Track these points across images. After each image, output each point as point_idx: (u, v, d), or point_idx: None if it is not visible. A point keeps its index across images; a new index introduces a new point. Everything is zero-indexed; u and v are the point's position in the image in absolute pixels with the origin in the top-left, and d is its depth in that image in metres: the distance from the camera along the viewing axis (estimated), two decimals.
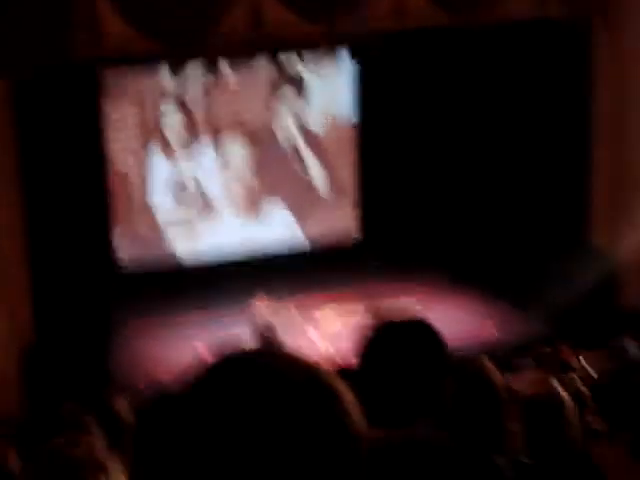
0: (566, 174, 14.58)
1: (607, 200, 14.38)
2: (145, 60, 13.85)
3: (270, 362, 1.50)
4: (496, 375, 3.81)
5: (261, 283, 13.68)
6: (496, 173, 15.39)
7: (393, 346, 2.68)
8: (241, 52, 14.66)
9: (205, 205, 15.51)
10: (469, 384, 3.56)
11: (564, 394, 4.97)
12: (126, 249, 15.20)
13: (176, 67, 14.95)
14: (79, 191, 14.21)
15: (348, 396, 1.50)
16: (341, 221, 16.28)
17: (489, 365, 3.85)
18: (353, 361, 2.78)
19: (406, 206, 16.12)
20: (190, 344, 13.15)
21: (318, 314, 14.30)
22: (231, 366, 1.50)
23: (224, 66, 15.22)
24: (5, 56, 11.47)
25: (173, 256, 15.50)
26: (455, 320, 12.92)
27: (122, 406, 5.01)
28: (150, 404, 2.90)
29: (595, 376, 9.16)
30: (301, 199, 15.95)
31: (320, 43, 14.60)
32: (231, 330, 13.23)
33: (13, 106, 12.48)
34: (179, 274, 15.12)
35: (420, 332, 2.70)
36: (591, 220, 14.53)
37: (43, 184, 13.63)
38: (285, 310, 13.43)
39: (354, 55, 15.66)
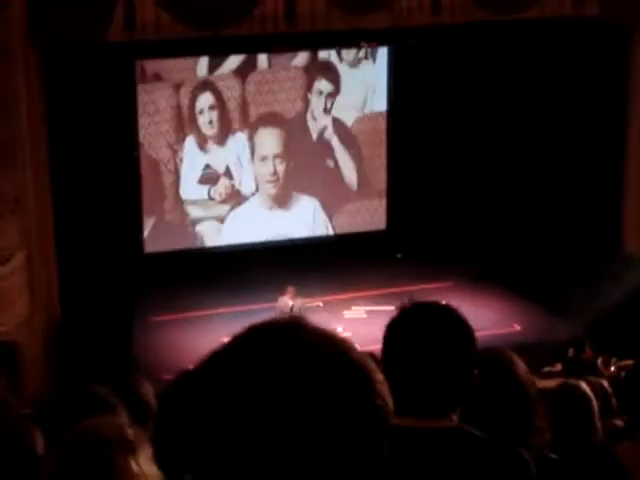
0: (601, 176, 14.46)
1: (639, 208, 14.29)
2: (180, 48, 13.79)
3: (300, 333, 1.43)
4: (523, 370, 3.75)
5: (290, 274, 13.63)
6: (532, 173, 15.26)
7: (419, 329, 2.62)
8: (275, 46, 14.60)
9: (237, 196, 15.49)
10: (496, 377, 3.51)
11: (590, 394, 4.93)
12: (156, 237, 15.20)
13: (213, 58, 14.90)
14: (110, 175, 14.20)
15: (378, 375, 1.45)
16: (369, 213, 16.23)
17: (516, 359, 3.80)
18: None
19: (435, 198, 16.02)
20: (216, 336, 13.14)
21: (346, 313, 14.23)
22: (258, 336, 1.43)
23: (260, 58, 15.17)
24: (44, 26, 11.52)
25: (202, 247, 15.49)
26: (482, 317, 12.81)
27: (147, 390, 4.99)
28: (173, 382, 2.87)
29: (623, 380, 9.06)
30: (332, 191, 15.91)
31: (355, 38, 14.57)
32: None
33: (45, 86, 12.49)
34: (208, 265, 15.03)
35: (448, 317, 2.64)
36: (624, 228, 14.42)
37: (74, 166, 13.64)
38: (312, 307, 13.32)
39: (390, 48, 15.56)
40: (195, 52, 14.40)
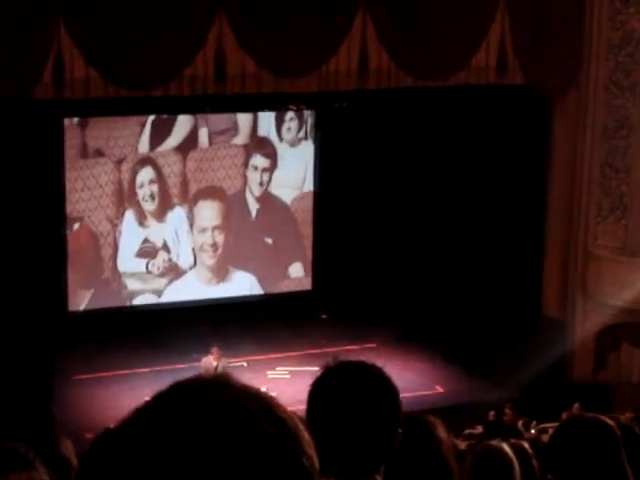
0: (522, 242, 14.72)
1: (560, 273, 14.58)
2: (109, 107, 13.82)
3: (224, 390, 1.38)
4: (445, 439, 3.79)
5: (215, 334, 13.61)
6: (455, 238, 15.45)
7: (343, 388, 2.63)
8: (205, 106, 14.73)
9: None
10: (416, 441, 3.54)
11: (512, 456, 4.98)
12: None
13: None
14: (35, 236, 14.07)
15: (305, 434, 1.40)
16: (297, 278, 16.33)
17: (439, 426, 3.84)
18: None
19: (359, 260, 16.15)
20: (139, 395, 13.02)
21: (270, 373, 14.24)
22: (181, 393, 1.38)
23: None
24: None
25: (129, 305, 15.46)
26: (405, 378, 12.90)
27: (67, 447, 4.94)
28: (94, 441, 2.84)
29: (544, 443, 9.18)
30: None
31: (284, 100, 14.78)
32: None
33: None
34: (133, 324, 14.95)
35: (372, 377, 2.66)
36: (545, 292, 14.68)
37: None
38: (236, 367, 13.28)
39: (316, 112, 15.78)
40: (123, 112, 14.43)
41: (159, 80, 12.44)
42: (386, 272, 16.07)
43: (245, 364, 13.86)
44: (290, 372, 14.27)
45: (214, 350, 12.90)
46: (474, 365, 14.29)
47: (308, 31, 12.70)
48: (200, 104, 14.42)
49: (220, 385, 1.39)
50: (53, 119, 14.10)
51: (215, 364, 12.80)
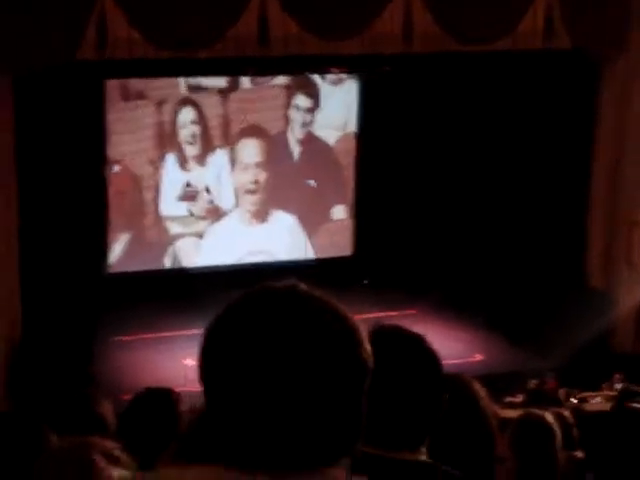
0: (567, 210, 14.58)
1: (604, 243, 14.41)
2: (151, 68, 13.81)
3: (298, 294, 1.84)
4: (485, 399, 3.74)
5: None
6: (499, 204, 15.32)
7: (388, 357, 2.57)
8: (248, 70, 14.68)
9: (216, 212, 15.51)
10: (458, 405, 3.49)
11: (554, 424, 4.92)
12: (132, 254, 15.16)
13: (192, 76, 14.93)
14: (78, 195, 14.15)
15: (362, 330, 1.79)
16: (341, 235, 16.26)
17: (479, 387, 3.78)
18: None
19: (401, 226, 16.05)
20: (178, 358, 13.09)
21: None
22: (264, 294, 1.85)
23: (242, 77, 15.24)
24: (11, 50, 11.45)
25: (170, 268, 15.45)
26: (445, 346, 12.81)
27: (107, 410, 4.99)
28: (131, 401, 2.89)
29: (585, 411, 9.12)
30: (311, 210, 15.95)
31: (328, 64, 14.68)
32: None
33: (14, 105, 12.38)
34: (175, 286, 14.98)
35: (415, 344, 2.61)
36: (589, 262, 14.53)
37: (40, 184, 13.55)
38: None
39: (361, 74, 15.67)
40: (166, 73, 14.41)
41: (201, 42, 12.38)
42: (428, 237, 15.98)
43: None
44: None
45: None
46: (516, 334, 14.18)
47: None
48: (243, 66, 14.37)
49: (295, 291, 1.87)
50: (95, 80, 14.09)
51: None
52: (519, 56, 13.64)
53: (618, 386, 11.37)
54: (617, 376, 11.54)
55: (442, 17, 12.81)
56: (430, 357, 2.58)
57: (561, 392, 11.30)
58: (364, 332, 1.75)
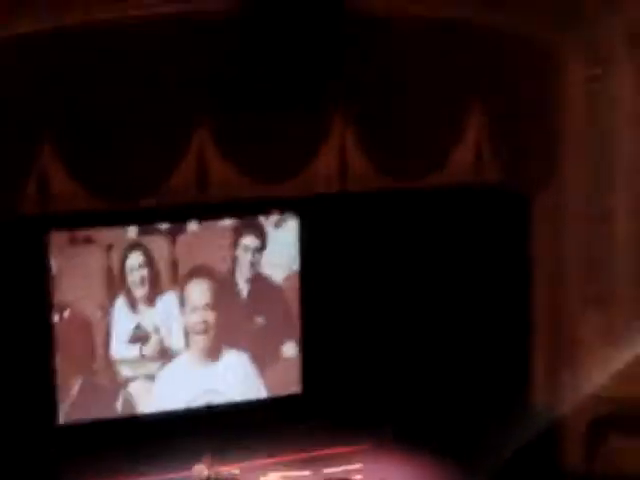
0: (507, 333, 14.82)
1: (546, 361, 14.65)
2: (94, 219, 14.08)
3: None
4: None
5: (208, 438, 13.61)
6: (439, 331, 15.56)
7: None
8: (187, 216, 15.01)
9: (167, 354, 15.59)
10: None
11: None
12: (84, 401, 15.14)
13: (136, 224, 15.20)
14: (23, 342, 14.21)
15: None
16: (291, 372, 16.37)
17: None
18: None
19: (348, 360, 16.16)
20: None
21: None
22: None
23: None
24: None
25: (119, 416, 15.45)
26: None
27: None
28: None
29: None
30: (260, 347, 16.04)
31: (265, 206, 15.05)
32: None
33: None
34: (124, 433, 14.96)
35: None
36: (532, 380, 14.73)
37: None
38: (228, 475, 13.26)
39: (300, 214, 16.00)
40: (109, 223, 14.66)
41: (142, 191, 12.69)
42: (376, 369, 16.09)
43: (237, 471, 13.82)
44: (282, 477, 14.23)
45: (205, 458, 12.92)
46: (464, 459, 14.28)
47: (289, 139, 13.01)
48: (186, 211, 14.69)
49: None
50: (39, 233, 14.32)
51: (206, 473, 12.82)
52: (451, 191, 14.03)
53: None
54: None
55: (375, 155, 13.21)
56: None
57: None
58: None
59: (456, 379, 15.33)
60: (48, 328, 14.81)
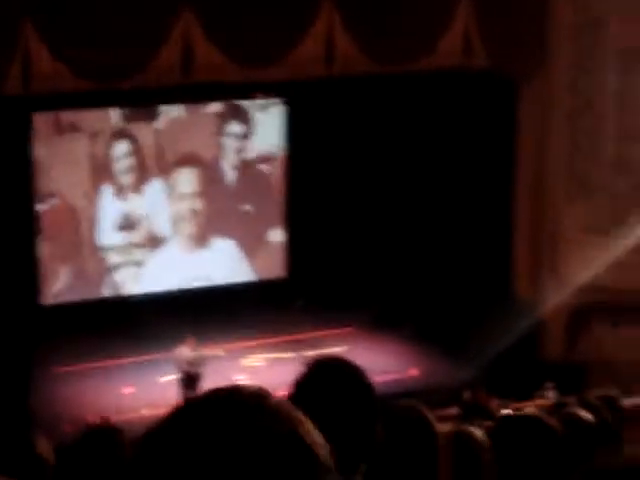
0: (492, 221, 14.88)
1: (529, 253, 14.73)
2: (77, 100, 13.87)
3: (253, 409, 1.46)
4: (436, 425, 3.86)
5: (191, 323, 13.68)
6: (425, 219, 15.62)
7: (322, 388, 2.72)
8: (172, 99, 14.79)
9: (155, 241, 15.59)
10: (409, 432, 3.61)
11: (484, 440, 5.08)
12: (71, 286, 15.17)
13: (119, 106, 15.00)
14: (8, 228, 14.15)
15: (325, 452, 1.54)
16: (277, 257, 16.41)
17: (430, 415, 3.90)
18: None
19: (333, 245, 16.24)
20: (116, 387, 13.15)
21: (245, 362, 14.33)
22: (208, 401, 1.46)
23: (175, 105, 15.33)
24: None
25: (105, 297, 15.48)
26: (381, 362, 13.07)
27: (45, 450, 4.89)
28: (74, 441, 2.83)
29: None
30: (247, 233, 16.09)
31: (251, 89, 14.88)
32: (158, 374, 13.31)
33: None
34: (109, 315, 15.01)
35: (352, 378, 2.74)
36: (515, 272, 14.83)
37: None
38: (212, 356, 13.35)
39: (285, 99, 15.86)
40: (93, 104, 14.47)
41: (127, 72, 12.49)
42: (360, 254, 16.19)
43: (221, 352, 13.96)
44: (266, 359, 14.37)
45: (189, 339, 12.98)
46: (447, 345, 14.45)
47: (275, 22, 12.80)
48: (170, 94, 14.50)
49: (262, 405, 1.47)
50: (22, 114, 14.12)
51: (190, 353, 12.89)
52: (440, 76, 13.93)
53: (549, 394, 11.65)
54: (548, 385, 11.79)
55: (363, 39, 13.05)
56: (365, 390, 2.72)
57: (494, 403, 11.49)
58: (331, 460, 1.53)
59: (440, 271, 15.42)
60: (31, 214, 14.75)
